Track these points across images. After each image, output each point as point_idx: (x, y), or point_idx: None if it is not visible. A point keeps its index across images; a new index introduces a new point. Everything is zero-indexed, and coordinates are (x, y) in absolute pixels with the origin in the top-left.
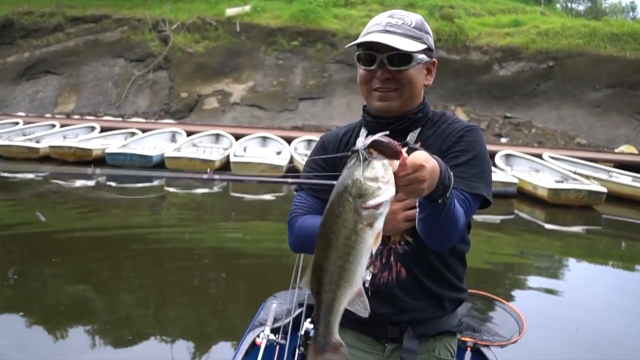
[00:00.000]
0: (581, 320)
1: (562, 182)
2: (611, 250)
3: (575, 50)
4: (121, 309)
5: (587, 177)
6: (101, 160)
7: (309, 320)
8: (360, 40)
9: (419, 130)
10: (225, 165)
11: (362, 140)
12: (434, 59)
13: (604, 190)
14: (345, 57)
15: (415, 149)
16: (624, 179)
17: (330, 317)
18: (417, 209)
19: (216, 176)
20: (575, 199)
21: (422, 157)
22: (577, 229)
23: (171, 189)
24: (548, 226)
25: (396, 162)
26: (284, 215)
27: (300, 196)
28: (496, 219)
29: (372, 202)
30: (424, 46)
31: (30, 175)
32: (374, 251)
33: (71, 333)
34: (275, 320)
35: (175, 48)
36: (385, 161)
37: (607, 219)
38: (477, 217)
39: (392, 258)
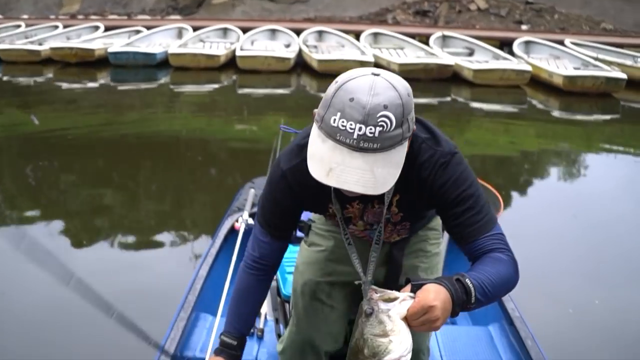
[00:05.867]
0: (584, 208)
1: (581, 68)
2: (628, 139)
3: None
4: (123, 202)
5: (610, 63)
6: (104, 60)
7: None
8: (328, 179)
9: (398, 196)
10: (231, 60)
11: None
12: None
13: (624, 76)
14: None
15: (421, 285)
16: None
17: None
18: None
19: None
20: (592, 87)
21: (430, 297)
22: (592, 117)
23: (176, 87)
24: (562, 115)
25: (404, 307)
26: (286, 108)
27: (264, 239)
28: (507, 108)
29: (389, 358)
30: (406, 145)
31: (34, 78)
32: None
33: (89, 229)
34: (253, 205)
35: None
36: (392, 312)
37: (627, 107)
38: (486, 107)
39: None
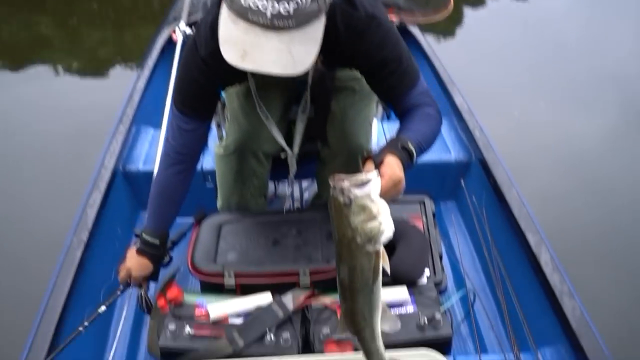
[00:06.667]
0: (533, 24)
1: None
2: None
3: None
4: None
5: None
6: None
7: None
8: (244, 63)
9: (320, 61)
10: None
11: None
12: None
13: None
14: None
15: (382, 160)
16: None
17: (378, 342)
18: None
19: None
20: None
21: (396, 171)
22: None
23: None
24: None
25: (378, 186)
26: None
27: (185, 125)
28: None
29: (384, 238)
30: (323, 18)
31: None
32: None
33: (27, 54)
34: (190, 13)
35: None
36: (370, 193)
37: None
38: None
39: None
